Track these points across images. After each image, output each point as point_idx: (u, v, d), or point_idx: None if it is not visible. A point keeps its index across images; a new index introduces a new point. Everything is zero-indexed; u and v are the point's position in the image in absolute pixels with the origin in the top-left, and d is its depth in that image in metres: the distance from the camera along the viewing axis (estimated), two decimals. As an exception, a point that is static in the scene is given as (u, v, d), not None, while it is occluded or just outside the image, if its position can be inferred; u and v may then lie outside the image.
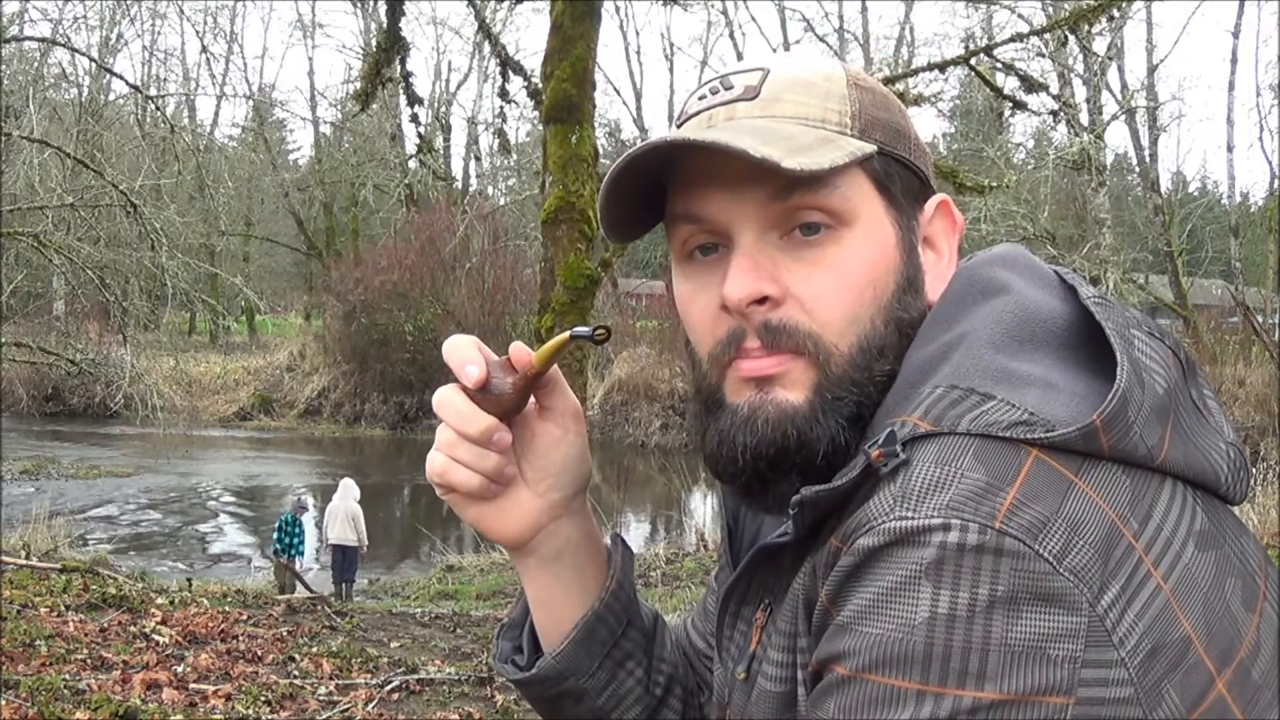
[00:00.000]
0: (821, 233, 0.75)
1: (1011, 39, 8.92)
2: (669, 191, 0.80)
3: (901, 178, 0.79)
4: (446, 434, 0.85)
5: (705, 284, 0.78)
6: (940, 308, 0.76)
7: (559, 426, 0.89)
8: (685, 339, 0.83)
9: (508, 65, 8.79)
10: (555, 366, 0.87)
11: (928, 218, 0.81)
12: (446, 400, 0.84)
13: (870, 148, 0.76)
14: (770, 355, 0.75)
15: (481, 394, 0.84)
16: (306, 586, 11.37)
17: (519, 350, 0.86)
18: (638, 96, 36.05)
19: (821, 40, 31.45)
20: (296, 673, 5.95)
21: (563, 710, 0.94)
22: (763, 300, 0.75)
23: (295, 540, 11.59)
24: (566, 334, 0.82)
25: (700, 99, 0.81)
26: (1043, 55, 18.80)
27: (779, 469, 0.75)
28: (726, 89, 0.80)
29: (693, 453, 0.87)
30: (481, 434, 0.83)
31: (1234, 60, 25.27)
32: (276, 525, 11.81)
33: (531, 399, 0.88)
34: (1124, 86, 25.15)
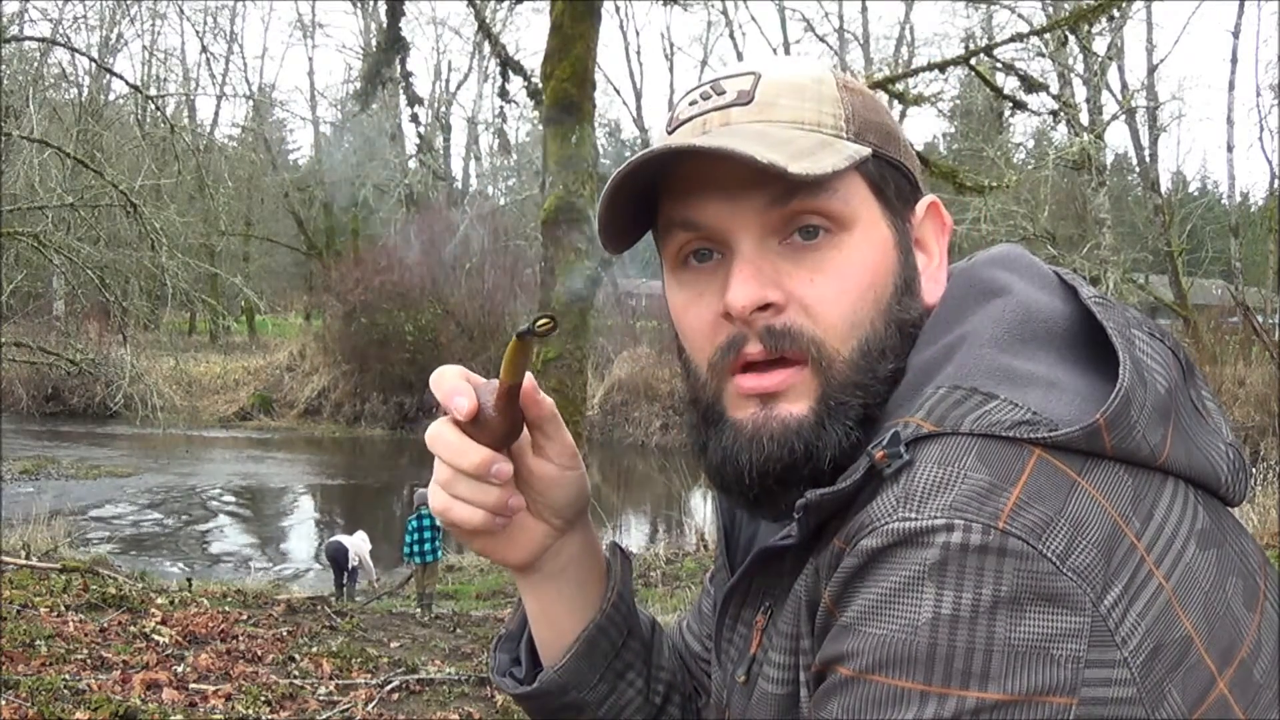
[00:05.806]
0: (820, 236, 0.75)
1: (1011, 39, 8.93)
2: (661, 198, 0.78)
3: (894, 180, 0.78)
4: (444, 470, 0.81)
5: (701, 291, 0.77)
6: (941, 309, 0.76)
7: (556, 466, 0.87)
8: (678, 346, 0.81)
9: (508, 65, 8.79)
10: (531, 378, 0.81)
11: (918, 219, 0.81)
12: (437, 434, 0.80)
13: (866, 150, 0.76)
14: (773, 370, 0.74)
15: (473, 425, 0.79)
16: (428, 598, 10.01)
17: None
18: (638, 96, 35.82)
19: (821, 40, 31.47)
20: (296, 673, 5.94)
21: None
22: (766, 306, 0.74)
23: (429, 537, 10.26)
24: (514, 337, 0.77)
25: (692, 104, 0.79)
26: (1043, 55, 18.77)
27: (787, 482, 0.74)
28: (719, 94, 0.78)
29: (693, 454, 0.83)
30: (478, 467, 0.79)
31: (1234, 60, 25.25)
32: (407, 532, 10.46)
33: (525, 431, 0.84)
34: (1124, 86, 25.12)
